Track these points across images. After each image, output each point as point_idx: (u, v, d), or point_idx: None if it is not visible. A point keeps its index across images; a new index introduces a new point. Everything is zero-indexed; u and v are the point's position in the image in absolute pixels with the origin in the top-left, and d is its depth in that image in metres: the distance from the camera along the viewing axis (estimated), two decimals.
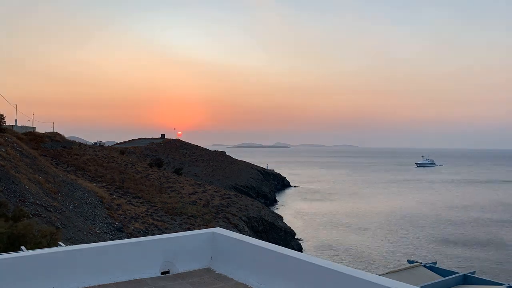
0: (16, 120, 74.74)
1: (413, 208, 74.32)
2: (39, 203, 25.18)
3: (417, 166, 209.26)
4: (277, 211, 63.64)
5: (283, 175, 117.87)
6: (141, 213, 38.51)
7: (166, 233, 26.54)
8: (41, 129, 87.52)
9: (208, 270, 6.02)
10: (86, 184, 39.69)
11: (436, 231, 55.18)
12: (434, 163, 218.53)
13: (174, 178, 61.16)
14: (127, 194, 44.95)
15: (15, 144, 36.40)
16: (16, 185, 25.45)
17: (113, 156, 64.58)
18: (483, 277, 9.33)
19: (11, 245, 13.03)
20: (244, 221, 45.30)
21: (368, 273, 4.27)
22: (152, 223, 36.30)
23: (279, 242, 40.07)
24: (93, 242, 15.20)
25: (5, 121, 42.88)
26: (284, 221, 52.80)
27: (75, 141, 71.54)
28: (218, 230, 6.39)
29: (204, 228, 27.26)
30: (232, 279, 5.64)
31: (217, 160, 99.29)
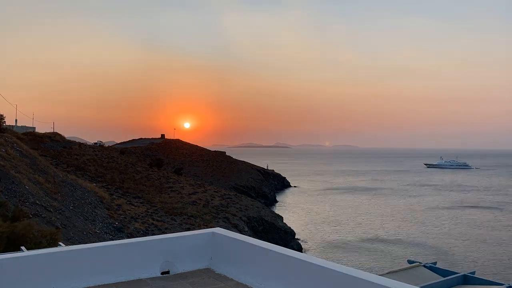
0: (16, 120, 74.89)
1: (413, 208, 74.36)
2: (39, 203, 25.18)
3: (427, 167, 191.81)
4: (277, 211, 63.61)
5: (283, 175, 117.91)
6: (141, 213, 38.51)
7: (166, 233, 26.53)
8: (41, 129, 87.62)
9: (208, 270, 6.02)
10: (86, 184, 39.69)
11: (437, 231, 55.20)
12: (467, 165, 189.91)
13: (174, 178, 61.17)
14: (127, 194, 44.96)
15: (15, 144, 36.40)
16: (16, 185, 25.45)
17: (113, 156, 64.58)
18: (483, 277, 9.33)
19: (11, 245, 13.02)
20: (244, 221, 45.30)
21: (368, 273, 4.27)
22: (152, 223, 36.31)
23: (279, 242, 40.07)
24: (93, 242, 15.19)
25: (5, 121, 42.88)
26: (284, 221, 52.79)
27: (75, 141, 71.56)
28: (218, 230, 6.39)
29: (204, 228, 27.26)
30: (232, 279, 5.64)
31: (217, 160, 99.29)
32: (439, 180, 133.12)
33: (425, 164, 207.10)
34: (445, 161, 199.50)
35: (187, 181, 61.71)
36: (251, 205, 53.39)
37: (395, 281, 4.04)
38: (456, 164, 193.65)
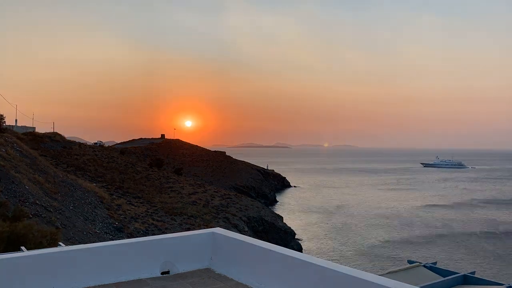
0: (16, 120, 74.88)
1: (413, 208, 74.35)
2: (39, 203, 25.17)
3: (424, 166, 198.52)
4: (277, 211, 63.63)
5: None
6: (141, 213, 38.50)
7: (166, 233, 26.52)
8: (41, 129, 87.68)
9: (208, 270, 6.02)
10: (86, 184, 39.68)
11: (437, 231, 55.19)
12: (463, 165, 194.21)
13: (174, 178, 61.15)
14: (127, 194, 44.94)
15: (15, 144, 36.38)
16: (16, 185, 25.44)
17: (113, 156, 64.57)
18: (483, 277, 9.32)
19: (11, 245, 13.01)
20: (244, 221, 45.29)
21: (368, 273, 4.27)
22: (152, 223, 36.30)
23: (279, 242, 40.05)
24: (93, 242, 15.19)
25: (5, 121, 42.85)
26: (284, 221, 52.78)
27: (75, 141, 71.53)
28: (218, 230, 6.39)
29: (204, 228, 27.26)
30: (232, 279, 5.64)
31: (217, 160, 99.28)
32: (436, 179, 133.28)
33: (421, 163, 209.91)
34: (440, 161, 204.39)
35: (187, 181, 61.70)
36: (251, 205, 53.38)
37: (395, 281, 4.04)
38: (451, 163, 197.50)
